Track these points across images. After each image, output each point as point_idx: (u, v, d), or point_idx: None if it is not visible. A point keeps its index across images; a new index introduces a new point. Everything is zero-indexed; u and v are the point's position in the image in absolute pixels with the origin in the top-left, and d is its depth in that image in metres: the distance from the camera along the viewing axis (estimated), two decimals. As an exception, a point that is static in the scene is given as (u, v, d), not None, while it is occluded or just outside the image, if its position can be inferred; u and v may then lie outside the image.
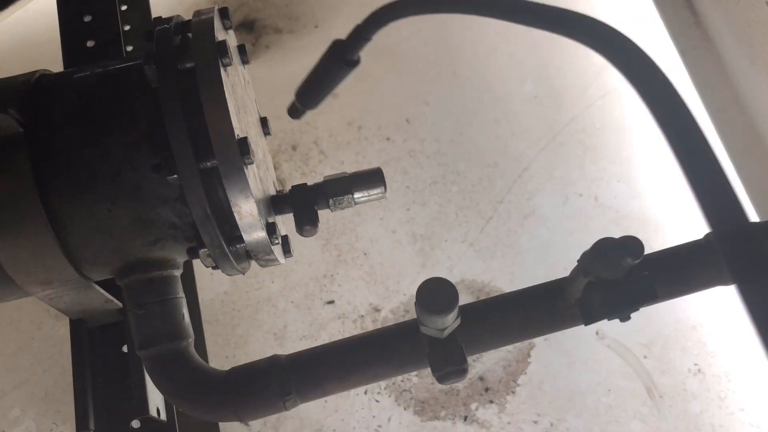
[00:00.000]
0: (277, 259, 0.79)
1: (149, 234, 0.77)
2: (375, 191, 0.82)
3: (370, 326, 1.34)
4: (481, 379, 1.31)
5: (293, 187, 0.83)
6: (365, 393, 1.29)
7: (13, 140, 0.73)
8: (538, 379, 1.30)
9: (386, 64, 1.57)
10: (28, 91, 0.77)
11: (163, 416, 0.94)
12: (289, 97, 1.64)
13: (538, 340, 1.32)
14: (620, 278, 0.68)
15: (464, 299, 1.39)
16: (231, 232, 0.75)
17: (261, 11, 1.67)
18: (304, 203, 0.82)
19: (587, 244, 1.29)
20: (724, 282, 0.80)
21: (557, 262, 1.36)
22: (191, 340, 0.80)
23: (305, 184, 0.83)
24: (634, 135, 1.51)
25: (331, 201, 0.82)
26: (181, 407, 0.80)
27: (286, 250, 0.84)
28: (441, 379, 0.73)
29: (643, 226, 1.43)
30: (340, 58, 0.76)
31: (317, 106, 0.80)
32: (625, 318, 0.68)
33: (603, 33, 0.52)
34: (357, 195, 0.82)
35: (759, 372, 1.30)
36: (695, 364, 1.31)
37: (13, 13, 1.44)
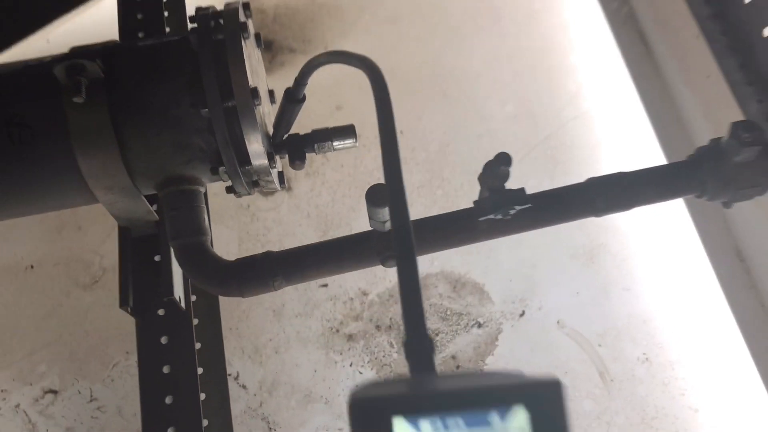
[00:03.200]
0: (274, 182, 1.00)
1: (184, 155, 0.92)
2: (348, 141, 0.99)
3: (358, 308, 1.43)
4: (453, 357, 1.39)
5: (288, 135, 0.99)
6: (350, 366, 1.37)
7: (98, 82, 0.90)
8: (503, 360, 1.38)
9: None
10: (107, 50, 0.94)
11: (183, 305, 1.07)
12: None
13: (506, 328, 1.41)
14: (503, 188, 0.88)
15: (442, 288, 1.47)
16: (243, 157, 0.91)
17: (278, 33, 1.75)
18: (296, 146, 0.99)
19: (553, 245, 1.40)
20: (594, 213, 0.99)
21: (525, 259, 1.47)
22: (208, 237, 0.97)
23: (297, 133, 0.99)
24: (602, 152, 1.59)
25: (315, 146, 0.98)
26: (199, 284, 0.95)
27: (281, 180, 1.02)
28: (383, 261, 0.91)
29: (606, 232, 1.49)
30: (292, 99, 0.95)
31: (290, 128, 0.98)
32: (505, 214, 0.88)
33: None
34: (335, 143, 0.98)
35: (699, 362, 1.38)
36: (644, 353, 1.39)
37: (81, 13, 1.61)
